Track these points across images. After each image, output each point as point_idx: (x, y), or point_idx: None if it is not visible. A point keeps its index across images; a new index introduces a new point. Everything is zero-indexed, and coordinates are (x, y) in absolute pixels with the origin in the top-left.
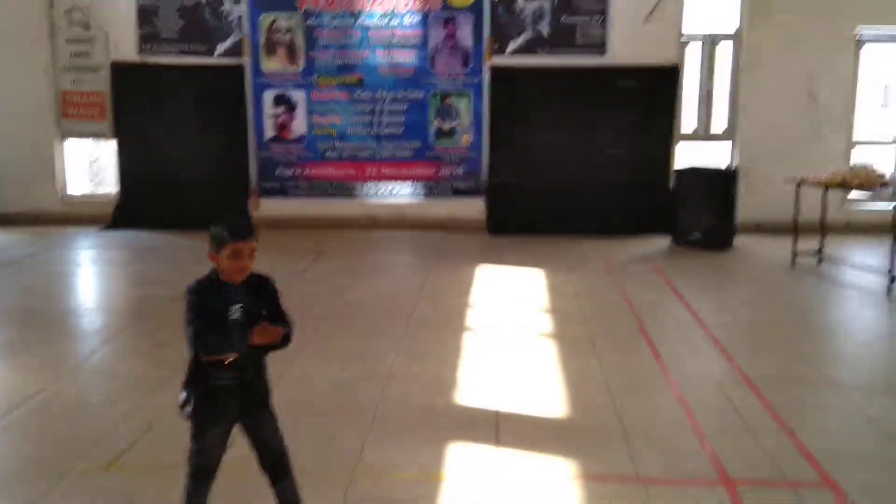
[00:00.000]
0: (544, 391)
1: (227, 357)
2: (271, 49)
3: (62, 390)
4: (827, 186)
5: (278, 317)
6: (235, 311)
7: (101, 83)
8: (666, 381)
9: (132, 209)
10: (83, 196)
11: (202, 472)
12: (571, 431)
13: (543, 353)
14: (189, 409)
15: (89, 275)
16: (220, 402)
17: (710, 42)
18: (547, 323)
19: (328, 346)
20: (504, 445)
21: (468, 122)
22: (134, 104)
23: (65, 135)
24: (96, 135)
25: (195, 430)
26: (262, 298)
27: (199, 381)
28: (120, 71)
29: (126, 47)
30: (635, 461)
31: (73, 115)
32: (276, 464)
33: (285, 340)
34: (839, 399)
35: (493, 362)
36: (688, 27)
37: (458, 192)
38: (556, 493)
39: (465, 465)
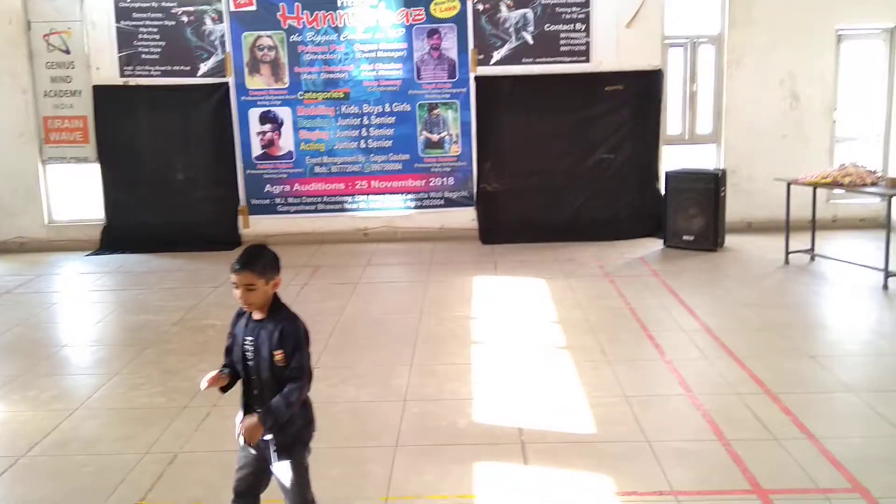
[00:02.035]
0: (563, 405)
1: (221, 379)
2: (255, 67)
3: (78, 425)
4: (817, 186)
5: (291, 362)
6: (247, 344)
7: (83, 107)
8: (681, 390)
9: (119, 233)
10: (68, 221)
11: (233, 492)
12: (597, 446)
13: (555, 364)
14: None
15: (85, 303)
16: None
17: (693, 45)
18: (554, 333)
19: (340, 365)
20: (533, 463)
21: (456, 133)
22: (117, 127)
23: (48, 160)
24: (80, 159)
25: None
26: (276, 339)
27: (242, 402)
28: (102, 94)
29: (107, 70)
30: (666, 474)
31: (55, 140)
32: None
33: (289, 396)
34: (855, 401)
35: (507, 377)
36: (670, 30)
37: (449, 203)
38: None
39: (496, 485)
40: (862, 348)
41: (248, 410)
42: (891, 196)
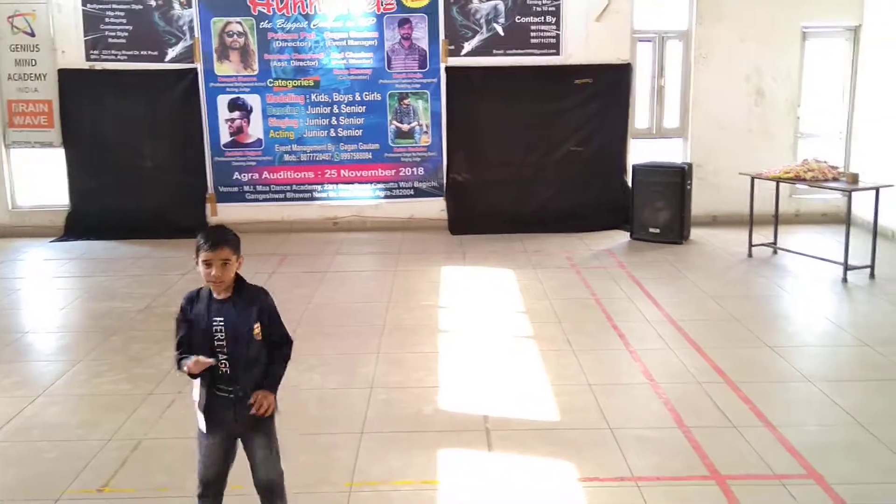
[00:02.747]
0: (528, 393)
1: (198, 367)
2: (224, 53)
3: (41, 411)
4: (780, 181)
5: (273, 332)
6: (218, 325)
7: (48, 91)
8: (644, 378)
9: (84, 219)
10: (32, 207)
11: (201, 484)
12: (560, 433)
13: (521, 353)
14: (198, 413)
15: (50, 289)
16: (217, 413)
17: (661, 40)
18: (520, 323)
19: (306, 353)
20: (497, 450)
21: (426, 123)
22: (83, 112)
23: (11, 144)
24: (45, 143)
25: (198, 439)
26: (254, 314)
27: (204, 387)
28: (67, 78)
29: (73, 54)
30: (627, 460)
31: (19, 125)
32: (264, 493)
33: (283, 360)
34: (812, 391)
35: (473, 366)
36: (639, 24)
37: (419, 193)
38: (555, 497)
39: (460, 471)
40: (820, 339)
41: (213, 392)
42: (851, 192)
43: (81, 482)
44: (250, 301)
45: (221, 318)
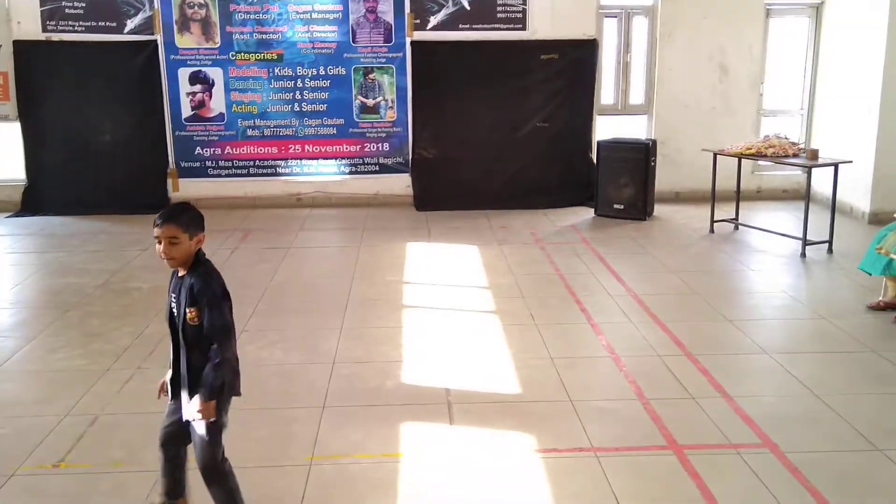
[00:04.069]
0: (491, 367)
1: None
2: (185, 25)
3: None
4: (742, 157)
5: (205, 321)
6: (172, 300)
7: (3, 63)
8: (605, 352)
9: (42, 194)
10: None
11: (160, 442)
12: (521, 406)
13: (485, 328)
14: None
15: (4, 265)
16: (173, 381)
17: (627, 16)
18: (484, 298)
19: (268, 329)
20: (458, 423)
21: (392, 98)
22: (40, 84)
23: None
24: (0, 117)
25: None
26: (189, 298)
27: (171, 361)
28: (23, 50)
29: (29, 25)
30: (587, 432)
31: None
32: (202, 472)
33: (214, 363)
34: (769, 362)
35: (437, 340)
36: (605, 0)
37: (384, 169)
38: (514, 469)
39: (422, 444)
40: (777, 312)
41: (174, 368)
42: (810, 167)
43: (36, 458)
44: (191, 285)
45: (175, 296)
